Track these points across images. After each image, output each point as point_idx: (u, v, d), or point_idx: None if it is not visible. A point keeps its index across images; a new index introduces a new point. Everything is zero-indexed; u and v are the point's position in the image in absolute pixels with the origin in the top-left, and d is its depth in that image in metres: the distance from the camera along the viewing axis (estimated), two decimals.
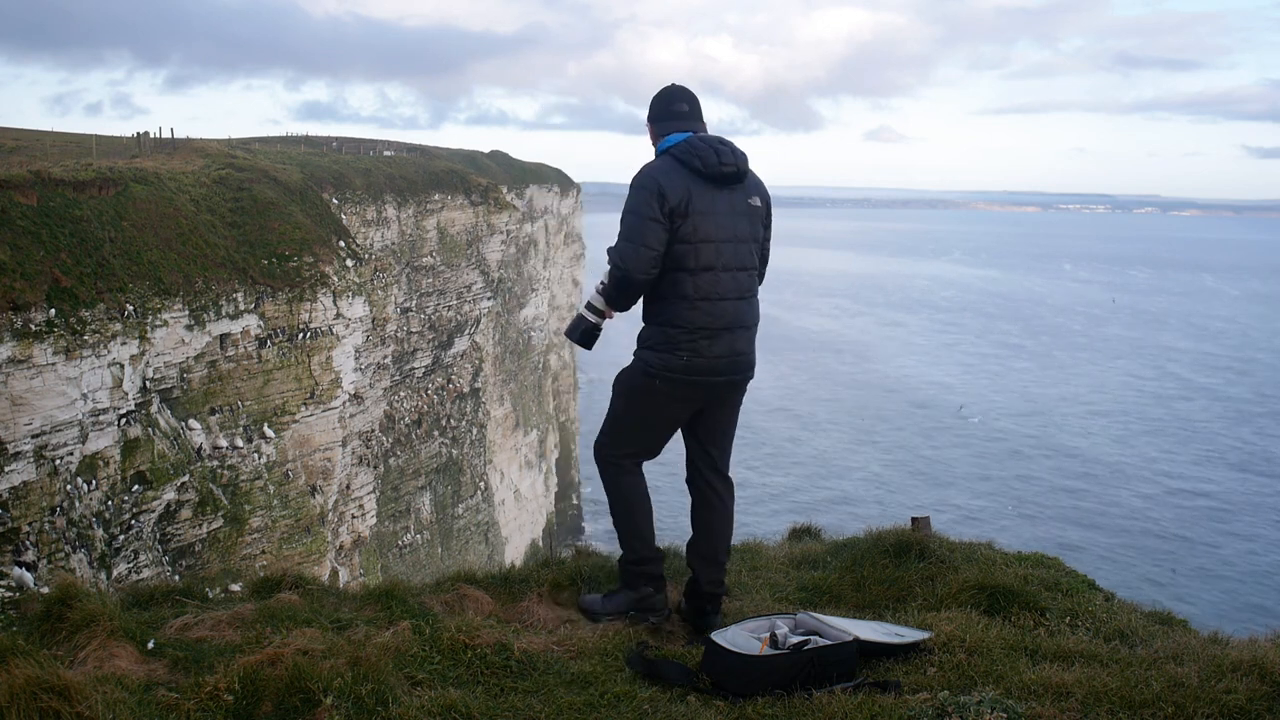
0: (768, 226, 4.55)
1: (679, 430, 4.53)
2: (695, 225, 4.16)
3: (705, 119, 4.46)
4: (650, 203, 4.13)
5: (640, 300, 4.36)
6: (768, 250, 4.61)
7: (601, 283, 4.38)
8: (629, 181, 4.32)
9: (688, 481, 4.59)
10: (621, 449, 4.47)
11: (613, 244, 4.26)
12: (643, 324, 4.39)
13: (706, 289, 4.19)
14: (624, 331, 4.78)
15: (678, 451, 4.72)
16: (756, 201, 4.36)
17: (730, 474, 4.62)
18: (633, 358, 4.39)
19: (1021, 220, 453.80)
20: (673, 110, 4.41)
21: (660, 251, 4.15)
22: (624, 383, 4.42)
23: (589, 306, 4.37)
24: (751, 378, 4.47)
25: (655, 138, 4.43)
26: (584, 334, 4.40)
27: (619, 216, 4.26)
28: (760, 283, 4.58)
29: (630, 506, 4.46)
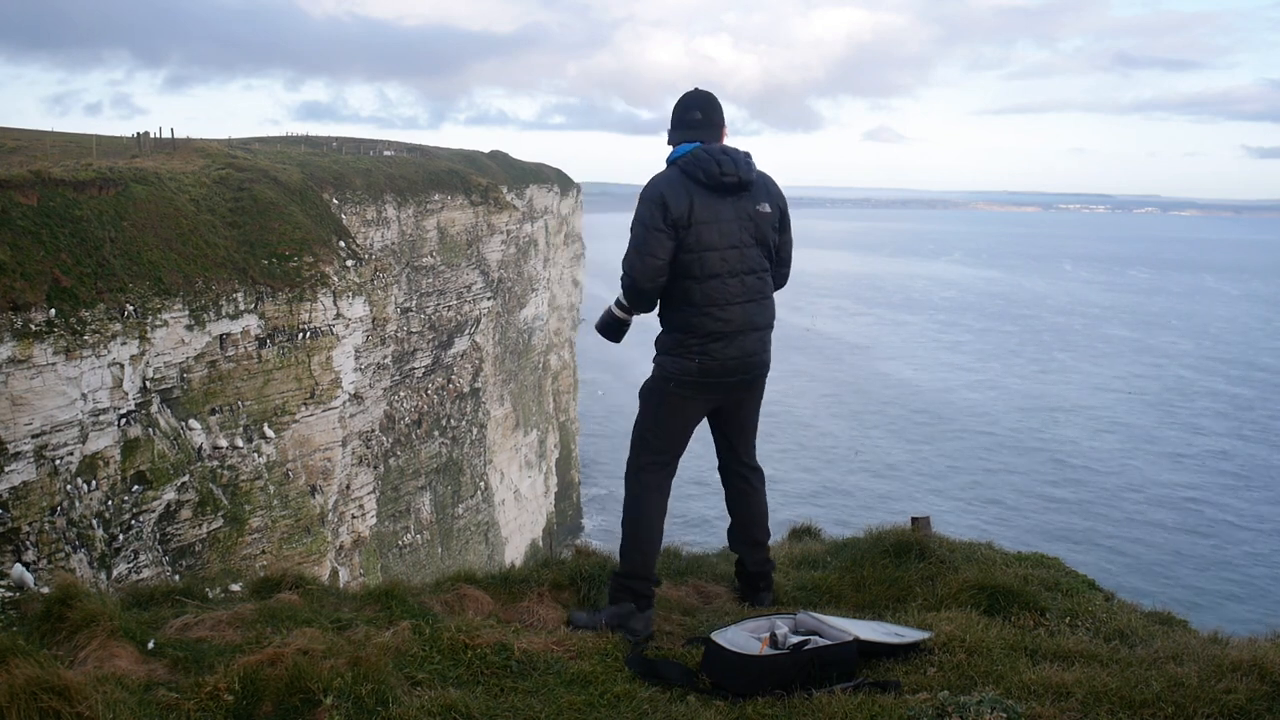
0: (783, 229, 4.70)
1: (694, 431, 4.69)
2: (699, 235, 4.34)
3: (723, 124, 4.57)
4: (655, 214, 4.31)
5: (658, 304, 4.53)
6: (788, 253, 4.80)
7: None
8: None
9: (719, 470, 4.85)
10: (646, 454, 4.57)
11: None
12: (660, 330, 4.54)
13: (714, 295, 4.37)
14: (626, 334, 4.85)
15: (694, 453, 4.85)
16: (765, 207, 4.52)
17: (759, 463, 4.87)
18: (652, 364, 4.55)
19: (1022, 220, 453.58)
20: (686, 119, 4.54)
21: (665, 261, 4.33)
22: (645, 389, 4.58)
23: (617, 303, 4.54)
24: (765, 375, 4.65)
25: (673, 147, 4.57)
26: (606, 327, 4.61)
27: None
28: (782, 283, 4.78)
29: (640, 523, 4.53)
